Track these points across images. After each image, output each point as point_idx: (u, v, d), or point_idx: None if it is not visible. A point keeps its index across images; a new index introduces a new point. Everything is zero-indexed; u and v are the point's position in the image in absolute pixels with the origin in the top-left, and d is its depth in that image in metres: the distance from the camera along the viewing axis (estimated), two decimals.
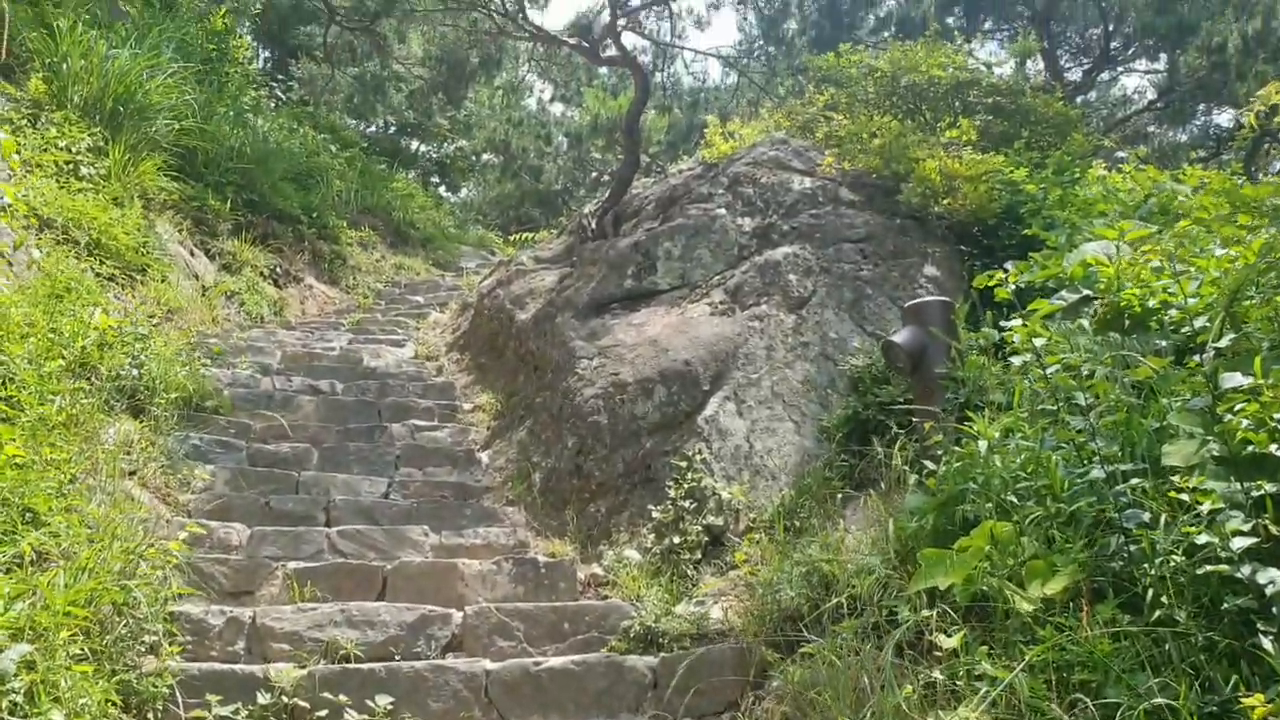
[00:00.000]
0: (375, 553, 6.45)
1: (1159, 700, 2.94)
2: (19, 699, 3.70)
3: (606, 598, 6.08)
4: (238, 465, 7.49)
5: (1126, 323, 4.85)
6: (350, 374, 9.93)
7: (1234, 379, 3.55)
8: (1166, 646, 3.19)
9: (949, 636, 3.56)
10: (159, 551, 5.18)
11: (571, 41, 11.74)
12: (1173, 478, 3.56)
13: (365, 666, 4.88)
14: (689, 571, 6.16)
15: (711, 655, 4.93)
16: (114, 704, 4.12)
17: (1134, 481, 3.62)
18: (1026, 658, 3.23)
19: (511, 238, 16.43)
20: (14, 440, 5.05)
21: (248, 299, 12.06)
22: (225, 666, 4.83)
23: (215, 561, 5.90)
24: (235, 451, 7.69)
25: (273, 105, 18.04)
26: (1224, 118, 17.52)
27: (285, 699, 4.63)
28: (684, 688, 4.78)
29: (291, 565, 5.99)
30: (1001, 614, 3.63)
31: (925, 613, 3.71)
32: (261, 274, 12.76)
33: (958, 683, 3.46)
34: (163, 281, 10.05)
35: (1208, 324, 3.95)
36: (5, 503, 4.80)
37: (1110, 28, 15.98)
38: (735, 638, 5.14)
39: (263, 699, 4.59)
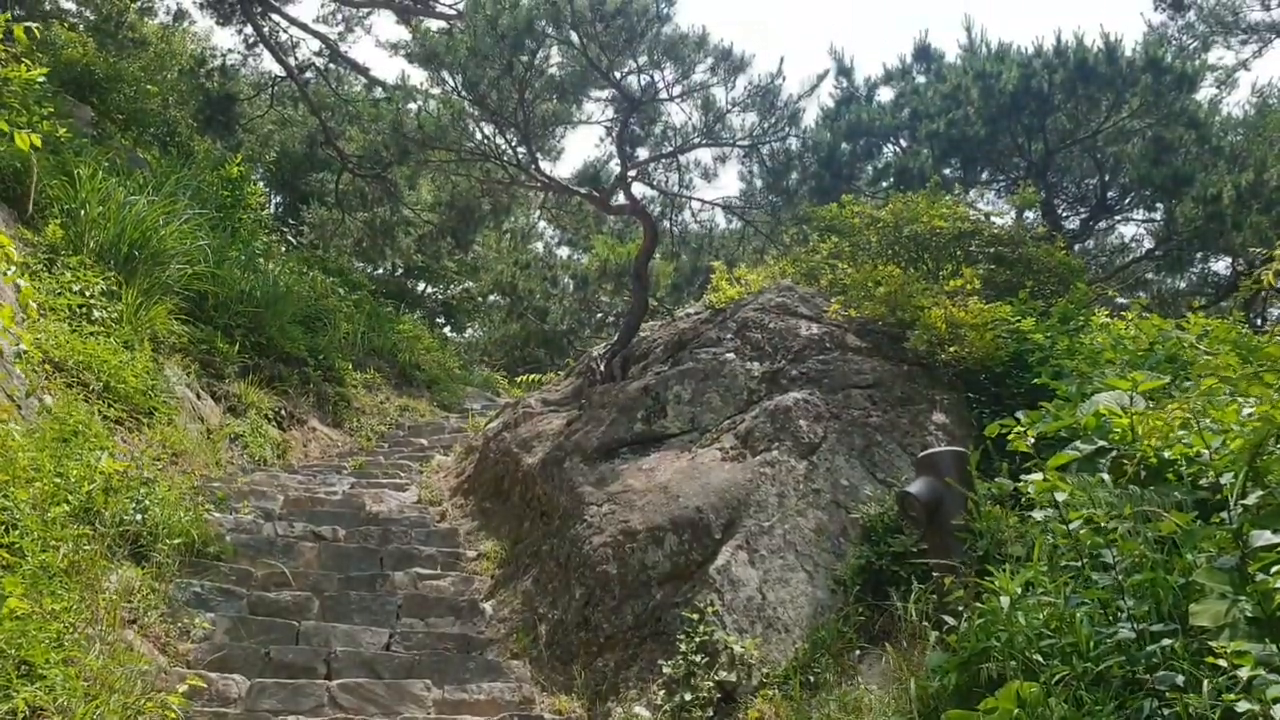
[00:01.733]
0: (376, 707, 6.26)
1: None
2: None
3: None
4: (238, 614, 7.33)
5: (1143, 474, 4.82)
6: (353, 519, 9.81)
7: (1264, 537, 3.49)
8: None
9: None
10: (157, 705, 5.03)
11: (582, 191, 11.98)
12: (1202, 638, 3.48)
13: None
14: None
15: None
16: None
17: (1165, 642, 3.52)
18: None
19: (518, 379, 16.51)
20: (15, 592, 4.94)
21: (251, 441, 12.02)
22: None
23: (214, 716, 5.73)
24: (236, 599, 7.54)
25: (284, 249, 18.34)
26: (1221, 265, 17.79)
27: None
28: None
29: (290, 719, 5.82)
30: None
31: None
32: (266, 416, 12.75)
33: None
34: (169, 424, 10.04)
35: (1232, 479, 3.90)
36: (1, 655, 4.68)
37: (1106, 178, 16.34)
38: None
39: None
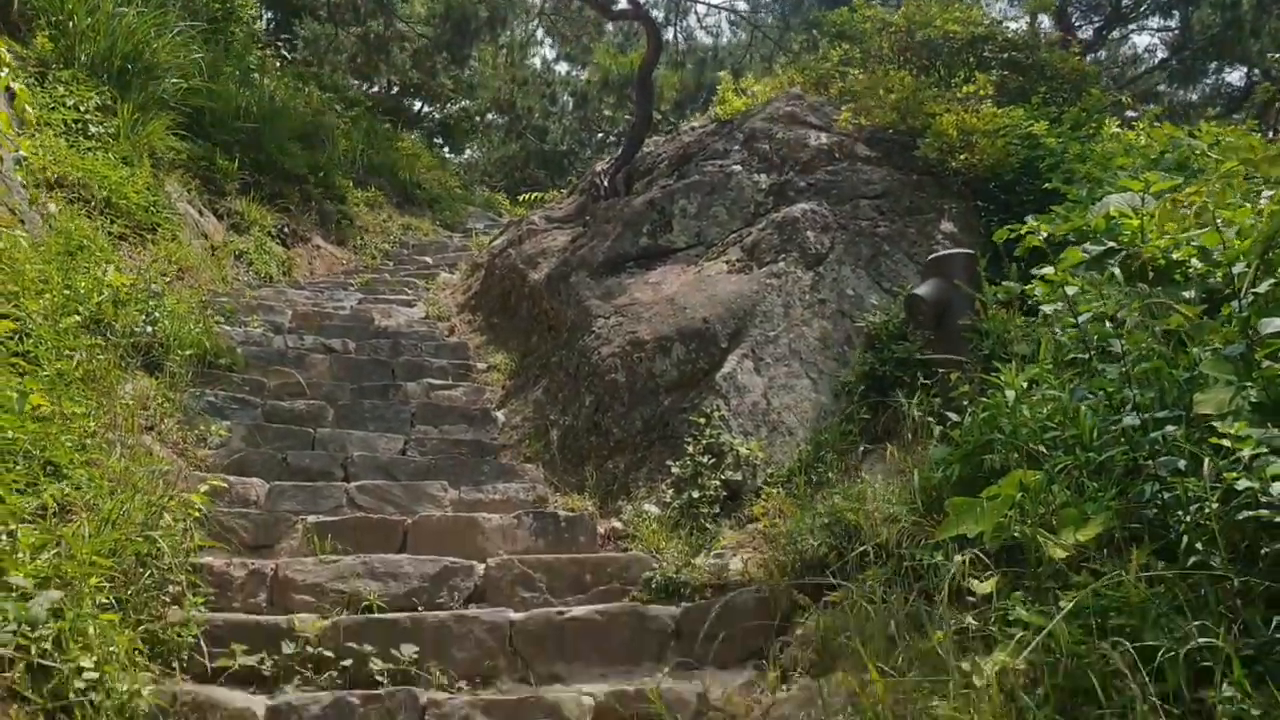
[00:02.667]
0: (394, 507, 6.45)
1: (1198, 643, 2.94)
2: (47, 645, 3.70)
3: (626, 550, 6.08)
4: (254, 422, 7.48)
5: (1152, 275, 4.82)
6: (362, 333, 9.90)
7: (1273, 324, 3.51)
8: (1203, 592, 3.18)
9: (981, 582, 3.55)
10: (180, 504, 5.18)
11: None
12: (1205, 426, 3.54)
13: (389, 616, 4.89)
14: (708, 525, 6.17)
15: (734, 603, 4.94)
16: (141, 652, 4.12)
17: (1169, 428, 3.59)
18: (1064, 603, 3.22)
19: (520, 199, 16.36)
20: (36, 392, 5.02)
21: (256, 258, 12.03)
22: (249, 617, 4.84)
23: (235, 515, 5.91)
24: (251, 408, 7.68)
25: (278, 65, 17.87)
26: (1235, 76, 17.37)
27: (310, 648, 4.64)
28: (707, 636, 4.78)
29: (311, 519, 5.99)
30: (1033, 562, 3.63)
31: (956, 558, 3.69)
32: (269, 234, 12.72)
33: (990, 628, 3.45)
34: (173, 240, 10.01)
35: (1244, 269, 3.90)
36: (27, 455, 4.79)
37: None
38: (757, 587, 5.14)
39: (288, 648, 4.60)
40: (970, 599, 3.60)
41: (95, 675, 3.73)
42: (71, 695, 3.65)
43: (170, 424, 6.81)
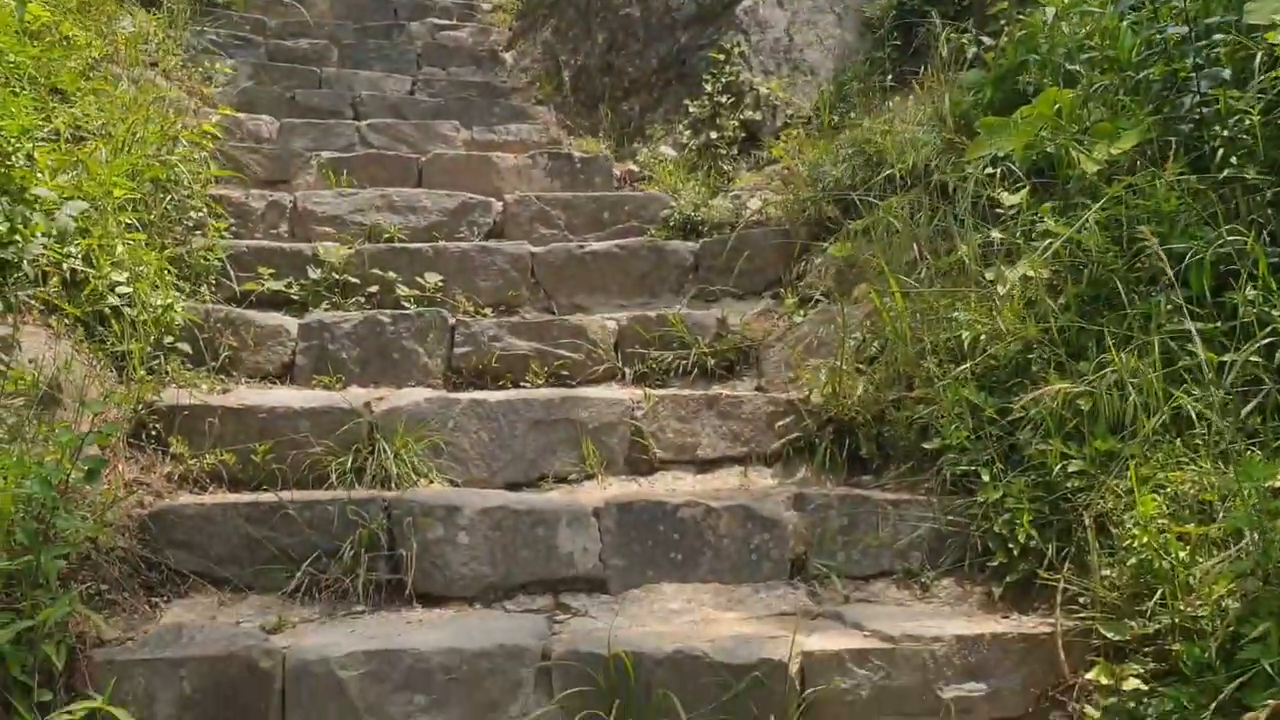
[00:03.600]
0: (406, 146, 6.37)
1: (1226, 244, 2.95)
2: (78, 264, 3.74)
3: (644, 191, 6.06)
4: (258, 61, 7.29)
5: None
6: None
7: None
8: (1234, 203, 3.16)
9: (1010, 194, 3.53)
10: (194, 133, 5.10)
11: None
12: (1254, 36, 3.39)
13: (412, 245, 4.93)
14: (725, 167, 6.10)
15: (752, 237, 4.96)
16: (170, 272, 4.18)
17: (1216, 36, 3.45)
18: (1092, 211, 3.21)
19: None
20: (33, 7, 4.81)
21: None
22: (274, 244, 4.88)
23: (248, 150, 5.85)
24: (254, 47, 7.45)
25: None
26: None
27: (335, 275, 4.71)
28: (725, 269, 4.84)
29: (325, 155, 5.93)
30: (1065, 178, 3.59)
31: (987, 170, 3.64)
32: None
33: (1017, 240, 3.47)
34: None
35: None
36: (33, 80, 4.66)
37: None
38: (776, 222, 5.15)
39: (313, 274, 4.67)
40: (999, 211, 3.59)
41: (129, 290, 3.79)
42: (106, 308, 3.73)
43: (173, 62, 6.60)
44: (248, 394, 3.79)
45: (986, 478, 3.07)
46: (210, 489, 3.45)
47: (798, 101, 6.42)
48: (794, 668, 2.57)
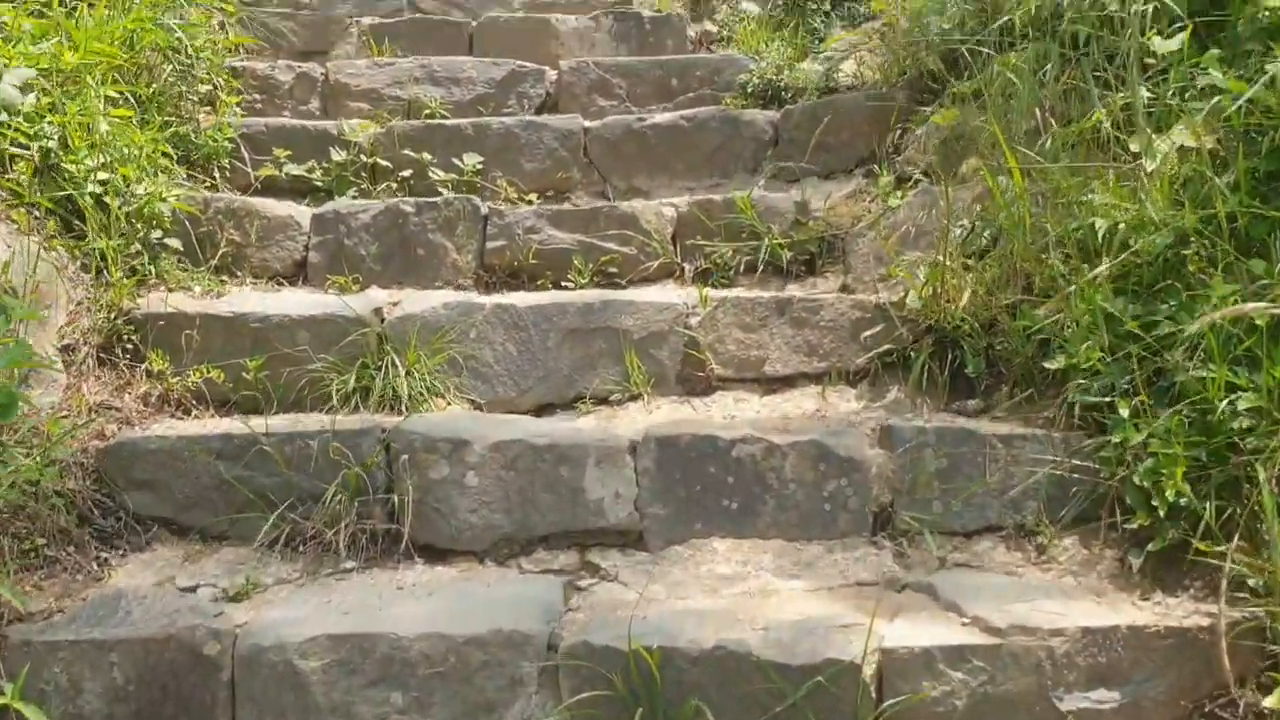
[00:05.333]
0: (459, 10, 5.72)
1: None
2: (53, 144, 3.24)
3: (719, 53, 5.33)
4: None
5: None
6: None
7: None
8: None
9: (1164, 39, 2.75)
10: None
11: None
12: None
13: (450, 122, 4.32)
14: (816, 25, 5.32)
15: (842, 104, 4.23)
16: (168, 155, 3.66)
17: None
18: (1273, 66, 2.44)
19: None
20: None
21: None
22: (295, 122, 4.33)
23: (283, 16, 5.26)
24: None
25: None
26: None
27: (363, 156, 4.15)
28: (810, 142, 4.14)
29: (367, 21, 5.33)
30: (1236, 19, 2.79)
31: (1136, 7, 2.85)
32: None
33: (1170, 100, 2.71)
34: None
35: None
36: None
37: None
38: (871, 88, 4.42)
39: (337, 156, 4.11)
40: (1148, 63, 2.82)
41: (108, 177, 3.28)
42: (86, 197, 3.23)
43: None
44: (245, 298, 3.27)
45: (1125, 412, 2.39)
46: (195, 412, 2.98)
47: None
48: (869, 670, 1.98)
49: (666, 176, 4.30)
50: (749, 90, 4.69)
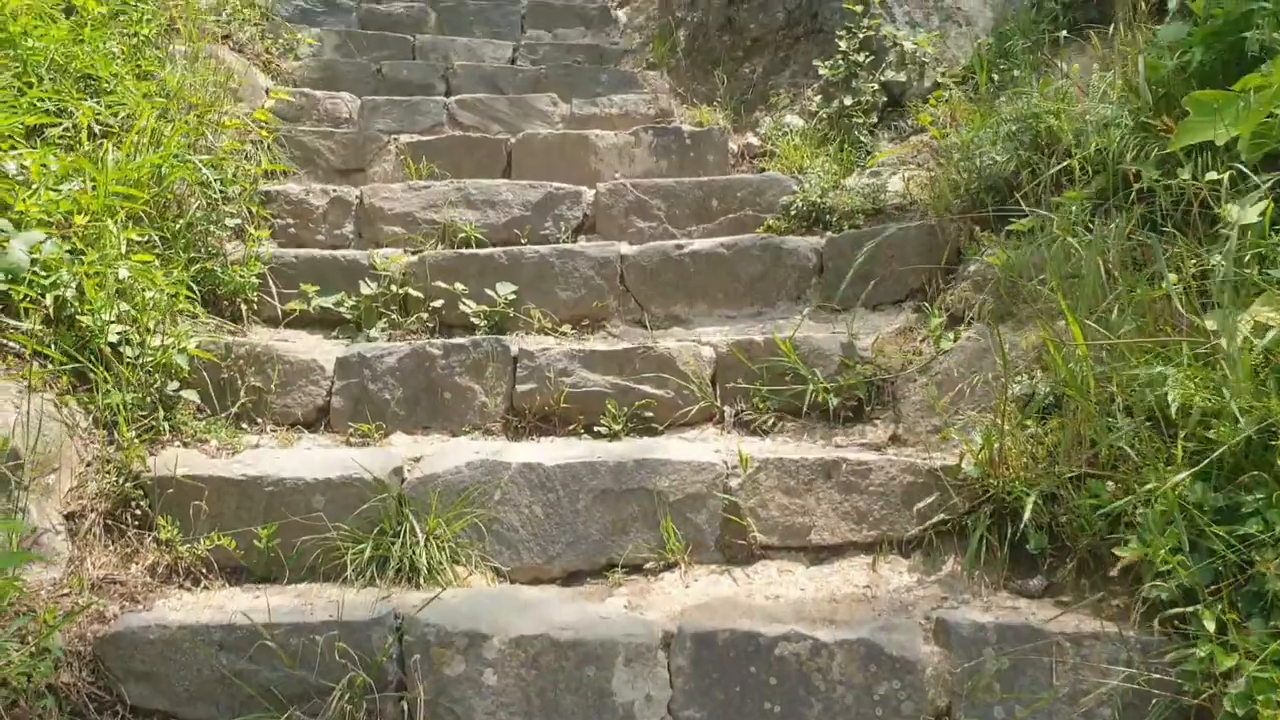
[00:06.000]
0: (499, 125, 5.65)
1: None
2: (69, 294, 3.14)
3: (763, 170, 5.20)
4: (346, 28, 6.65)
5: None
6: None
7: None
8: None
9: (1236, 207, 2.56)
10: (242, 121, 4.47)
11: None
12: None
13: (484, 251, 4.20)
14: (862, 139, 5.18)
15: (891, 235, 4.05)
16: (191, 297, 3.56)
17: None
18: None
19: None
20: None
21: None
22: (325, 253, 4.23)
23: (321, 135, 5.22)
24: (343, 13, 6.84)
25: None
26: None
27: (394, 288, 4.03)
28: (856, 273, 3.97)
29: (405, 139, 5.27)
30: None
31: (1209, 176, 2.67)
32: None
33: (1247, 270, 2.50)
34: None
35: None
36: (57, 67, 4.10)
37: None
38: (920, 213, 4.25)
39: (368, 289, 4.00)
40: (1220, 231, 2.62)
41: (124, 329, 3.17)
42: (104, 349, 3.11)
43: (249, 32, 6.02)
44: (260, 457, 3.11)
45: (1210, 624, 2.16)
46: (204, 581, 2.81)
47: (952, 54, 5.45)
48: None
49: (706, 304, 4.14)
50: (792, 212, 4.54)
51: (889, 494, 2.95)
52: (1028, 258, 3.39)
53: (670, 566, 2.92)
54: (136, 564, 2.78)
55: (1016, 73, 4.81)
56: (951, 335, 3.53)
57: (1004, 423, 2.82)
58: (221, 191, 4.07)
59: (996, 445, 2.82)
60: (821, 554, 2.94)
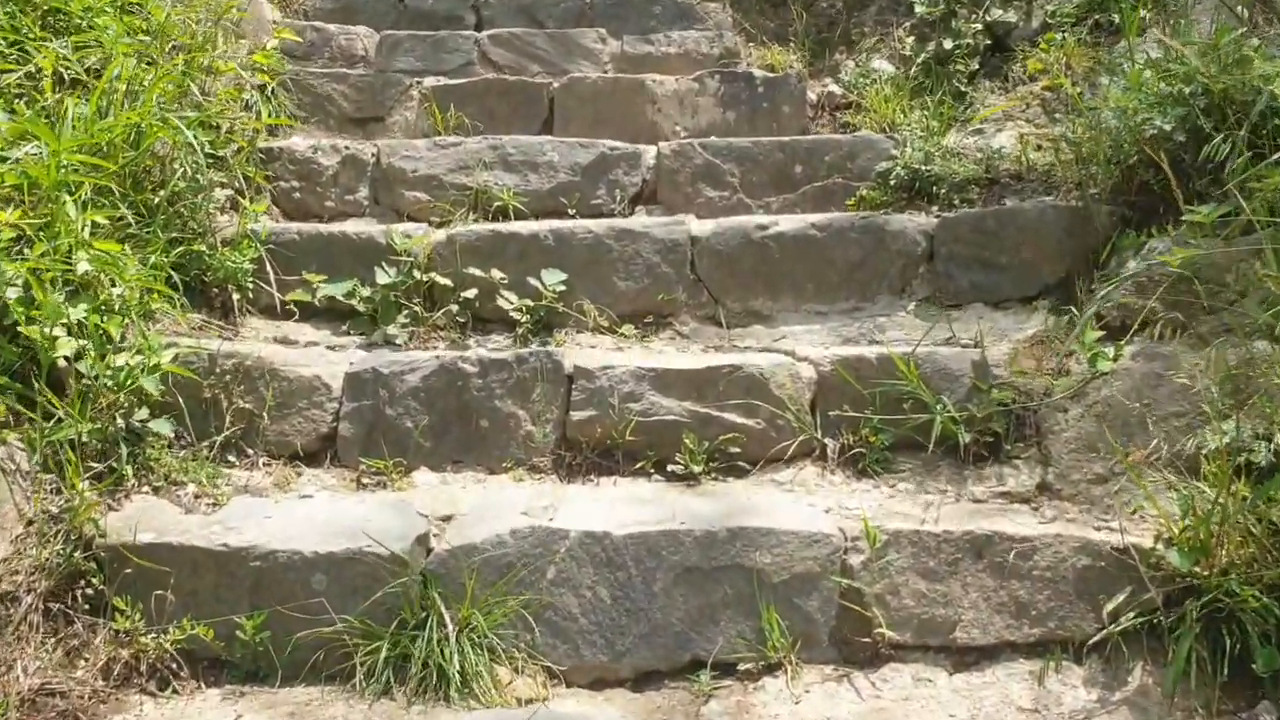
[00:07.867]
0: (538, 64, 4.89)
1: None
2: (10, 295, 2.47)
3: (848, 125, 4.45)
4: None
5: None
6: None
7: None
8: None
9: None
10: (235, 65, 3.75)
11: None
12: None
13: (525, 230, 3.47)
14: (963, 88, 4.42)
15: (1022, 217, 3.33)
16: (169, 295, 2.88)
17: None
18: None
19: None
20: None
21: None
22: (334, 229, 3.52)
23: (333, 78, 4.49)
24: None
25: None
26: None
27: (418, 274, 3.33)
28: (974, 260, 3.26)
29: (430, 82, 4.54)
30: None
31: None
32: None
33: None
34: None
35: None
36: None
37: None
38: (1044, 185, 3.54)
39: (385, 276, 3.30)
40: None
41: (77, 344, 2.50)
42: (56, 369, 2.46)
43: None
44: (247, 514, 2.44)
45: None
46: (174, 683, 2.18)
47: None
48: None
49: (792, 297, 3.43)
50: (890, 180, 3.79)
51: (1058, 580, 2.27)
52: (1210, 258, 2.68)
53: (772, 668, 2.27)
54: (85, 663, 2.15)
55: (1147, 12, 4.02)
56: (1110, 352, 2.82)
57: (1225, 498, 2.13)
58: (213, 154, 3.37)
59: (1215, 524, 2.14)
60: (969, 657, 2.28)
